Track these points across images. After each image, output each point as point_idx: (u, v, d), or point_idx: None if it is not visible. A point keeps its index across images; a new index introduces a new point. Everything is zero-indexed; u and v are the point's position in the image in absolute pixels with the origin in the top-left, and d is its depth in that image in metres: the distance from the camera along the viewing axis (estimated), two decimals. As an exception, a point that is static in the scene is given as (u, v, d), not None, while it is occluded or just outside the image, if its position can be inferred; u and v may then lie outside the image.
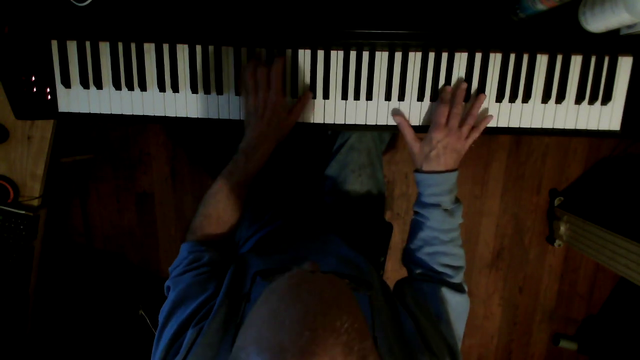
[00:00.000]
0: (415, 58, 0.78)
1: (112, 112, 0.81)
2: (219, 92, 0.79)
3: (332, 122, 0.81)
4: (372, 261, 0.94)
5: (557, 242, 1.78)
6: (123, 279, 1.85)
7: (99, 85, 0.79)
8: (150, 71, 0.79)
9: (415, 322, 0.63)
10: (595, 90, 0.79)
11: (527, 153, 1.77)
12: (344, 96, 0.80)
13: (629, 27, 0.71)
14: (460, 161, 0.78)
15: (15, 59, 0.76)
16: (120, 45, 0.77)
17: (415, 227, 0.79)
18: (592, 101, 0.79)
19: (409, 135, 0.78)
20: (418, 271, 0.76)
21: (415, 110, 0.80)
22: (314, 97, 0.80)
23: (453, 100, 0.76)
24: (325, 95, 0.80)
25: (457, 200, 0.76)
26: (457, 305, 0.68)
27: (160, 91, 0.80)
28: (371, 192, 0.97)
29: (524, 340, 1.98)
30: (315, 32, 0.75)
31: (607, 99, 0.79)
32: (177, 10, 0.74)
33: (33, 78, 0.78)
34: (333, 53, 0.78)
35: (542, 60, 0.78)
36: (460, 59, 0.78)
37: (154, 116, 0.81)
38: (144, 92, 0.80)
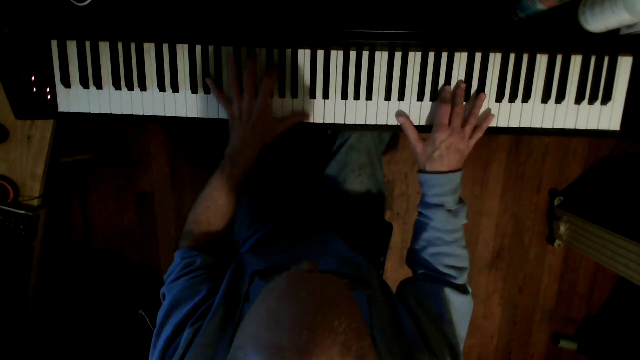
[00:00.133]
0: (415, 58, 0.78)
1: (112, 112, 0.81)
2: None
3: (332, 122, 0.81)
4: (372, 261, 0.94)
5: (557, 242, 1.78)
6: (123, 279, 1.85)
7: (99, 85, 0.79)
8: (150, 71, 0.79)
9: (416, 321, 0.63)
10: (595, 90, 0.79)
11: (527, 153, 1.77)
12: (344, 96, 0.80)
13: (629, 27, 0.71)
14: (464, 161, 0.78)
15: (15, 59, 0.76)
16: (120, 45, 0.77)
17: (419, 228, 0.78)
18: (592, 101, 0.79)
19: (412, 136, 0.78)
20: (422, 272, 0.76)
21: (415, 111, 0.80)
22: (314, 97, 0.80)
23: (454, 101, 0.76)
24: (325, 95, 0.80)
25: (461, 201, 0.76)
26: (460, 306, 0.68)
27: (160, 91, 0.80)
28: (371, 192, 0.97)
29: (524, 340, 1.98)
30: (315, 32, 0.75)
31: (607, 99, 0.79)
32: (177, 11, 0.74)
33: (33, 78, 0.78)
34: (333, 53, 0.78)
35: (542, 60, 0.78)
36: (460, 59, 0.78)
37: (154, 116, 0.81)
38: (144, 92, 0.80)
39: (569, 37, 0.75)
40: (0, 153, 1.00)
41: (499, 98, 0.79)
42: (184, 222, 0.80)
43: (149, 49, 0.78)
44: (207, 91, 0.80)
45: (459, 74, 0.78)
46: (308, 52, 0.78)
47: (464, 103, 0.78)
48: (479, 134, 0.77)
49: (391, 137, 1.15)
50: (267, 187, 1.00)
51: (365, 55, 0.78)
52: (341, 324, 0.37)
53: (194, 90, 0.79)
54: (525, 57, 0.78)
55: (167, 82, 0.79)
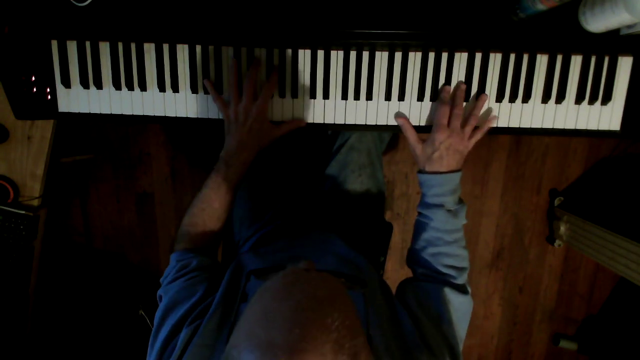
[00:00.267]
0: (415, 58, 0.78)
1: (112, 112, 0.81)
2: (219, 92, 0.79)
3: (332, 122, 0.81)
4: (372, 261, 0.94)
5: (557, 242, 1.78)
6: (123, 279, 1.85)
7: (99, 85, 0.79)
8: (150, 71, 0.79)
9: (415, 321, 0.63)
10: (595, 90, 0.79)
11: (527, 153, 1.77)
12: (344, 96, 0.80)
13: (629, 27, 0.71)
14: (463, 162, 0.78)
15: (15, 59, 0.76)
16: (120, 45, 0.77)
17: (419, 228, 0.78)
18: (592, 101, 0.79)
19: (412, 136, 0.78)
20: (422, 271, 0.76)
21: (415, 111, 0.80)
22: (314, 97, 0.80)
23: (453, 101, 0.76)
24: (325, 95, 0.80)
25: (460, 201, 0.76)
26: (460, 306, 0.68)
27: (160, 91, 0.80)
28: (371, 192, 0.97)
29: (524, 340, 1.98)
30: (315, 32, 0.75)
31: (607, 99, 0.79)
32: (177, 11, 0.74)
33: (33, 78, 0.78)
34: (333, 53, 0.78)
35: (542, 60, 0.78)
36: (460, 59, 0.78)
37: (154, 116, 0.81)
38: (144, 92, 0.80)
39: (569, 37, 0.75)
40: (0, 153, 1.00)
41: (499, 98, 0.79)
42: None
43: (149, 49, 0.78)
44: (207, 91, 0.80)
45: (459, 74, 0.78)
46: (308, 52, 0.78)
47: (464, 104, 0.78)
48: (479, 135, 0.77)
49: (391, 137, 1.15)
50: (267, 187, 1.00)
51: (365, 55, 0.78)
52: (334, 321, 0.37)
53: (194, 90, 0.79)
54: (525, 57, 0.78)
55: (167, 82, 0.79)
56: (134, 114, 0.81)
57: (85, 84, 0.79)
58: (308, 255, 0.75)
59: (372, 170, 0.97)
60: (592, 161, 1.79)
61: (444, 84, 0.78)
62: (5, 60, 0.76)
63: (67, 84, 0.79)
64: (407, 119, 0.79)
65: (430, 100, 0.80)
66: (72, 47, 0.77)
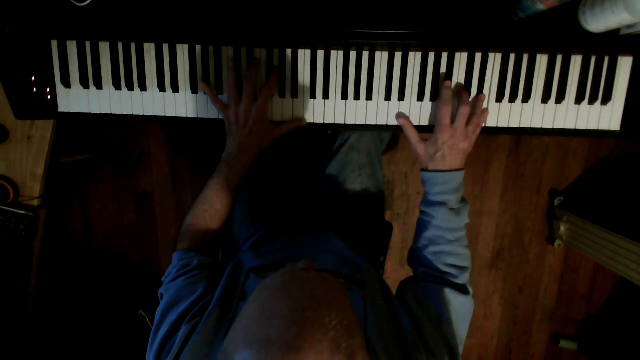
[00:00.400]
0: (415, 58, 0.78)
1: (112, 112, 0.81)
2: (219, 92, 0.79)
3: (332, 122, 0.81)
4: (372, 261, 0.94)
5: (557, 242, 1.78)
6: (123, 279, 1.85)
7: (99, 85, 0.79)
8: (150, 71, 0.79)
9: (415, 321, 0.63)
10: (595, 90, 0.79)
11: (527, 153, 1.77)
12: (344, 96, 0.80)
13: (629, 27, 0.71)
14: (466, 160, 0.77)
15: (15, 59, 0.76)
16: (120, 45, 0.77)
17: (421, 226, 0.78)
18: (592, 101, 0.79)
19: (413, 137, 0.78)
20: (422, 271, 0.76)
21: (415, 111, 0.80)
22: (314, 97, 0.80)
23: (460, 101, 0.76)
24: (325, 95, 0.80)
25: (463, 200, 0.76)
26: (460, 307, 0.68)
27: (160, 91, 0.80)
28: (371, 192, 0.97)
29: (524, 340, 1.98)
30: (315, 32, 0.75)
31: (607, 99, 0.79)
32: (177, 10, 0.74)
33: (33, 78, 0.78)
34: (333, 53, 0.78)
35: (542, 60, 0.78)
36: (460, 59, 0.78)
37: (154, 116, 0.81)
38: (144, 92, 0.80)
39: (569, 37, 0.75)
40: (0, 153, 1.00)
41: (499, 98, 0.79)
42: (182, 223, 0.81)
43: (149, 49, 0.78)
44: (207, 91, 0.80)
45: (459, 74, 0.78)
46: (308, 52, 0.78)
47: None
48: (478, 131, 0.77)
49: (391, 137, 1.15)
50: (267, 187, 1.00)
51: (365, 55, 0.78)
52: (331, 320, 0.37)
53: (194, 90, 0.79)
54: (525, 57, 0.78)
55: (167, 82, 0.79)
56: (134, 114, 0.81)
57: (85, 84, 0.79)
58: (308, 254, 0.75)
59: (372, 170, 0.97)
60: (592, 161, 1.79)
61: (445, 81, 0.78)
62: (5, 60, 0.76)
63: (67, 84, 0.79)
64: (409, 119, 0.79)
65: (431, 100, 0.80)
66: (72, 47, 0.77)
